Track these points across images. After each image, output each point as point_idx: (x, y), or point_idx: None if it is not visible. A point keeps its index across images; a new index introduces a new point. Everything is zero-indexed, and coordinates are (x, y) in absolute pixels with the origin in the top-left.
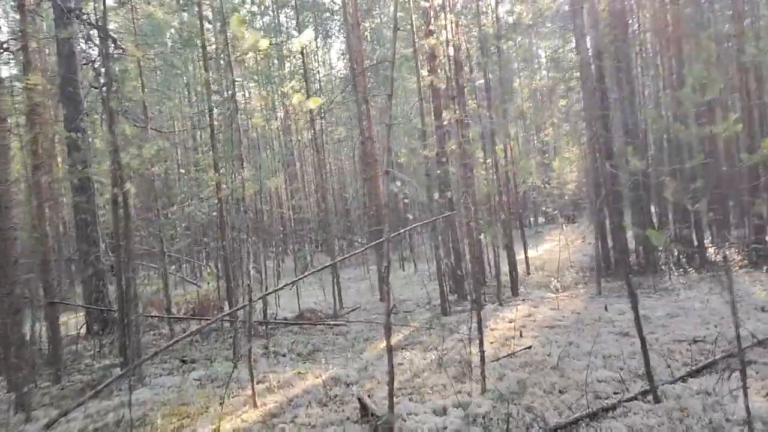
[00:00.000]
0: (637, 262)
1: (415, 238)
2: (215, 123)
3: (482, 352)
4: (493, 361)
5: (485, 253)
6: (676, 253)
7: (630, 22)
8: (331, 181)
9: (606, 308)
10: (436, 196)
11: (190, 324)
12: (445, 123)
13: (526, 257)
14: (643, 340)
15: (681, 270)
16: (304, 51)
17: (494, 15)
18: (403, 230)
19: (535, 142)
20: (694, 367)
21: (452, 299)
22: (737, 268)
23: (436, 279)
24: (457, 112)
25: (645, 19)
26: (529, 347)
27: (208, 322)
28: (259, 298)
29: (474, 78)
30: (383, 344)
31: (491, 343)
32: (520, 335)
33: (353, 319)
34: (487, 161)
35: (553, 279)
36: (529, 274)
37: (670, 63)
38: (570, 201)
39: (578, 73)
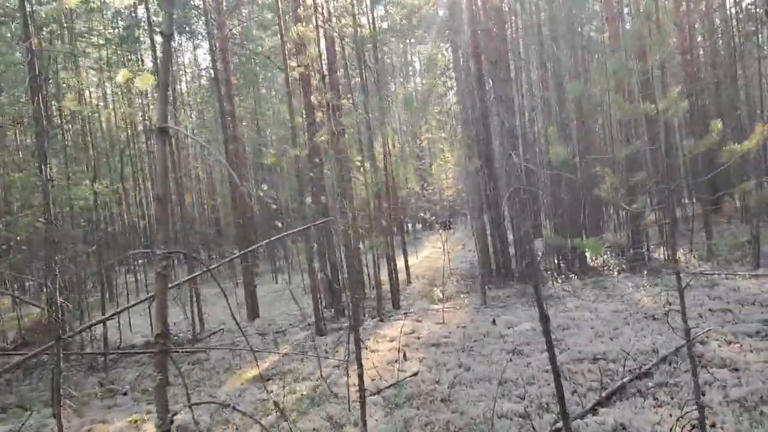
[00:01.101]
0: (517, 268)
1: (291, 247)
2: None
3: (362, 392)
4: (376, 393)
5: (364, 262)
6: (556, 259)
7: (508, 23)
8: (197, 186)
9: (494, 321)
10: (309, 200)
11: (11, 358)
12: (317, 119)
13: (407, 265)
14: (557, 374)
15: (562, 276)
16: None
17: (370, 16)
18: (265, 241)
19: (413, 148)
20: (603, 393)
21: (329, 315)
22: (616, 272)
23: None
24: (328, 95)
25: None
26: (416, 373)
27: (25, 356)
28: (92, 324)
29: (351, 77)
30: (248, 374)
31: (374, 367)
32: (404, 357)
33: (215, 344)
34: (365, 164)
35: (435, 288)
36: (410, 283)
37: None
38: (448, 206)
39: (454, 74)
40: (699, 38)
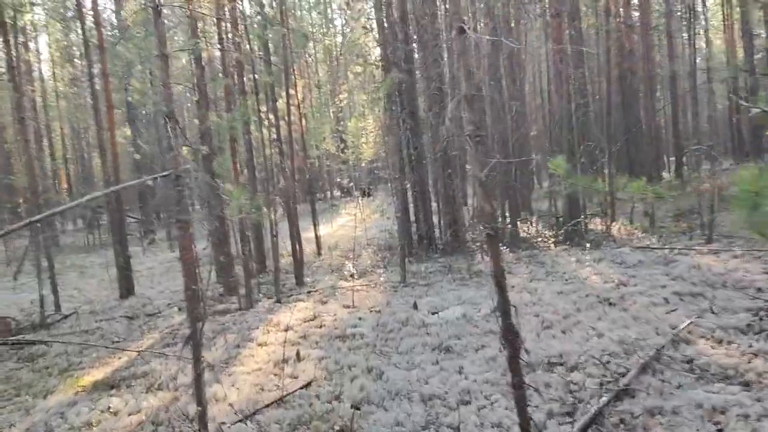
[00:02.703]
0: (443, 239)
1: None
2: None
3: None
4: (247, 418)
5: (266, 231)
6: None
7: None
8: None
9: (415, 305)
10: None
11: None
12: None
13: (317, 235)
14: (523, 410)
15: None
16: None
17: None
18: (85, 199)
19: (330, 106)
20: (574, 427)
21: (215, 294)
22: (552, 245)
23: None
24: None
25: None
26: (309, 384)
27: None
28: None
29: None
30: (90, 377)
31: (255, 370)
32: (298, 357)
33: (62, 333)
34: (269, 116)
35: (347, 262)
36: (320, 255)
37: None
38: (368, 171)
39: (375, 15)
40: None
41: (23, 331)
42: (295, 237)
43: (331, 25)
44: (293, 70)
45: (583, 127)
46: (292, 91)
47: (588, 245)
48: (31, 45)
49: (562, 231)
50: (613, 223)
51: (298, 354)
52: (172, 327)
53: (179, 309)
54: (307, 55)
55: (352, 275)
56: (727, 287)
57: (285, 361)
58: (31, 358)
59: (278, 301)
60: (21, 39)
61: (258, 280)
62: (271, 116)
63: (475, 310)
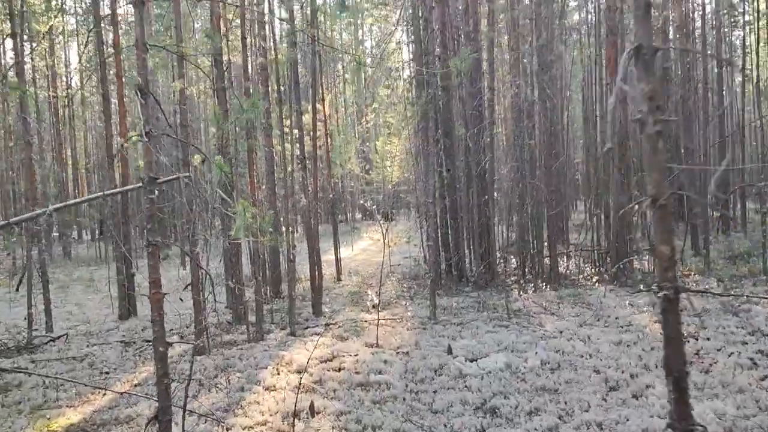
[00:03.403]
0: (474, 271)
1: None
2: None
3: None
4: None
5: (283, 252)
6: (520, 263)
7: None
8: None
9: (450, 350)
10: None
11: None
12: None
13: (338, 258)
14: None
15: (530, 284)
16: None
17: None
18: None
19: (356, 127)
20: None
21: (224, 321)
22: (596, 284)
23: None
24: None
25: None
26: None
27: None
28: None
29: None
30: (65, 420)
31: (257, 425)
32: (311, 411)
33: (44, 360)
34: (289, 128)
35: (369, 290)
36: (339, 280)
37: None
38: (392, 194)
39: (411, 27)
40: None
41: (4, 354)
42: (315, 262)
43: (361, 46)
44: (321, 83)
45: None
46: (319, 106)
47: (641, 287)
48: (62, 52)
49: (614, 269)
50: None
51: (311, 407)
52: (170, 359)
53: (181, 337)
54: (335, 74)
55: (374, 306)
56: None
57: (296, 414)
58: (5, 389)
59: (292, 333)
60: (45, 45)
61: (272, 307)
62: (296, 130)
63: (521, 360)
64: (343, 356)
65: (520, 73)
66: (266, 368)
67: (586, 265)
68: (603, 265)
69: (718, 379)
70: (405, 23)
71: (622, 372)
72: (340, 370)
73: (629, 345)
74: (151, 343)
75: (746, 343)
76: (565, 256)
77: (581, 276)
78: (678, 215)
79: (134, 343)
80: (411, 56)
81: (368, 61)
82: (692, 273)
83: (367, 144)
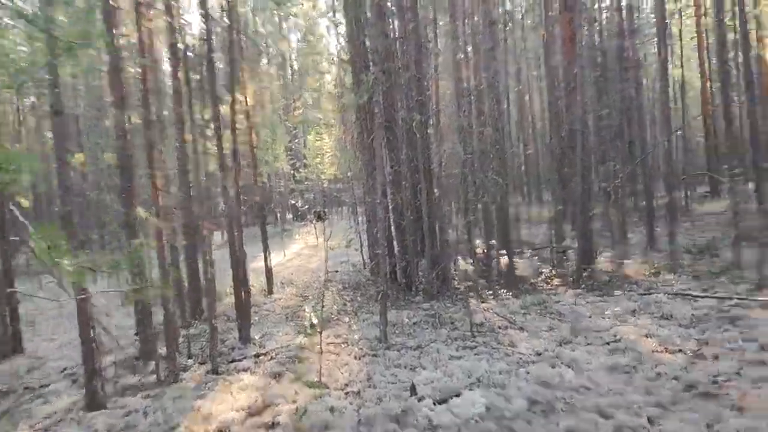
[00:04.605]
0: (424, 279)
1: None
2: None
3: None
4: None
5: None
6: (475, 267)
7: None
8: None
9: (413, 389)
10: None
11: None
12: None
13: (268, 268)
14: None
15: (489, 291)
16: None
17: None
18: None
19: (286, 124)
20: None
21: (132, 356)
22: (559, 287)
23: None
24: None
25: None
26: None
27: None
28: None
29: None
30: None
31: None
32: None
33: None
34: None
35: (306, 308)
36: (271, 293)
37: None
38: (323, 193)
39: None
40: None
41: None
42: (240, 277)
43: (286, 37)
44: (242, 71)
45: (602, 144)
46: (240, 96)
47: (616, 291)
48: None
49: (586, 272)
50: (626, 261)
51: None
52: (53, 417)
53: (73, 382)
54: (260, 68)
55: (313, 326)
56: None
57: None
58: None
59: (214, 369)
60: None
61: (189, 333)
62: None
63: (501, 398)
64: (278, 403)
65: (463, 61)
66: (177, 428)
67: (546, 266)
68: (563, 266)
69: (757, 419)
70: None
71: (636, 414)
72: (273, 426)
73: (628, 371)
74: (32, 392)
75: (765, 363)
76: (521, 257)
77: (540, 279)
78: (634, 208)
79: (15, 391)
80: (344, 38)
81: (294, 54)
82: (660, 271)
83: (297, 141)
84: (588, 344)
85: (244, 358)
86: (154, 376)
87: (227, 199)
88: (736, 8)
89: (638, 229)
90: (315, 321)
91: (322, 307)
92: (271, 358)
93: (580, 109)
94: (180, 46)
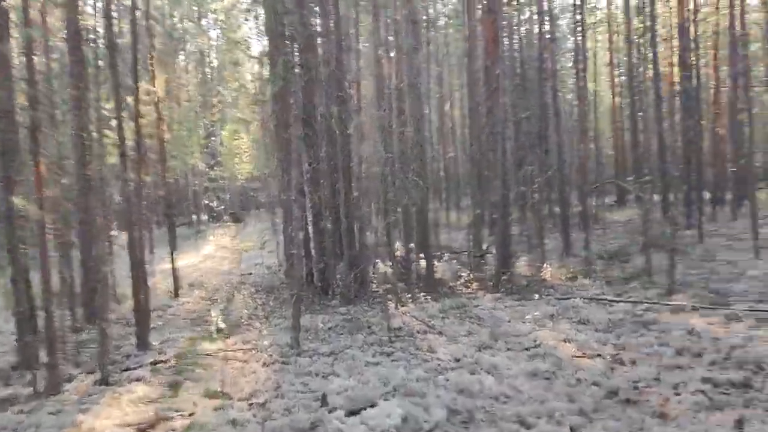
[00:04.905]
0: (342, 282)
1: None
2: None
3: None
4: None
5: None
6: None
7: None
8: None
9: (324, 399)
10: None
11: None
12: None
13: (174, 270)
14: None
15: (408, 296)
16: None
17: None
18: None
19: (200, 119)
20: None
21: (8, 365)
22: (478, 291)
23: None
24: None
25: None
26: None
27: None
28: None
29: None
30: None
31: None
32: None
33: None
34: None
35: (212, 312)
36: (177, 295)
37: None
38: (240, 192)
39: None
40: None
41: None
42: (139, 278)
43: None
44: (153, 61)
45: (520, 150)
46: (150, 87)
47: (535, 295)
48: None
49: (505, 276)
50: (544, 265)
51: None
52: None
53: None
54: (176, 64)
55: (220, 331)
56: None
57: None
58: None
59: (104, 380)
60: None
61: (78, 339)
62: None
63: (420, 409)
64: (172, 418)
65: (385, 58)
66: None
67: (465, 270)
68: (482, 270)
69: (682, 427)
70: None
71: (558, 423)
72: None
73: (549, 377)
74: None
75: (681, 368)
76: (441, 261)
77: (459, 282)
78: (549, 215)
79: None
80: (264, 32)
81: (213, 52)
82: (577, 276)
83: (213, 138)
84: (508, 349)
85: (140, 366)
86: (31, 388)
87: (126, 193)
88: (648, 23)
89: (553, 235)
90: (222, 325)
91: (226, 308)
92: (171, 366)
93: (502, 112)
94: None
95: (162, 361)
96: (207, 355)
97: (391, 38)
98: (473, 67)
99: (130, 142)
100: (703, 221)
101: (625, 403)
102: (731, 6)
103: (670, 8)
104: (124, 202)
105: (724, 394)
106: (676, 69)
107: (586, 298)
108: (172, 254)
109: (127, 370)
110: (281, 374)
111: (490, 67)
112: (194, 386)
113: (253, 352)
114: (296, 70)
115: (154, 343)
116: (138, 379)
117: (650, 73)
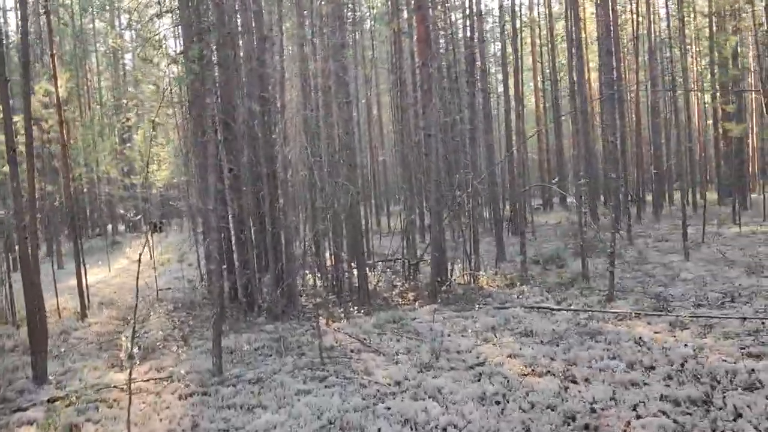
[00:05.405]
0: (268, 296)
1: None
2: None
3: None
4: None
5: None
6: (323, 282)
7: None
8: None
9: None
10: None
11: None
12: None
13: (81, 287)
14: None
15: (340, 309)
16: None
17: None
18: None
19: (114, 123)
20: None
21: None
22: (413, 301)
23: None
24: None
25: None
26: None
27: None
28: None
29: None
30: None
31: None
32: None
33: None
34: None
35: (124, 335)
36: (85, 316)
37: None
38: (160, 201)
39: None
40: None
41: None
42: (34, 298)
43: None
44: (55, 60)
45: (450, 153)
46: (50, 87)
47: (475, 305)
48: None
49: (444, 286)
50: (480, 272)
51: None
52: None
53: None
54: (88, 66)
55: (131, 357)
56: (736, 386)
57: None
58: None
59: None
60: None
61: None
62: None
63: None
64: None
65: (311, 57)
66: None
67: (399, 279)
68: (416, 279)
69: None
70: None
71: None
72: None
73: (499, 401)
74: None
75: (637, 384)
76: (373, 270)
77: (394, 293)
78: (479, 219)
79: None
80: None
81: (128, 54)
82: (514, 282)
83: (129, 144)
84: (451, 368)
85: (33, 405)
86: None
87: (19, 204)
88: (572, 27)
89: (485, 239)
90: (134, 350)
91: (139, 329)
92: (70, 404)
93: (435, 114)
94: None
95: (61, 398)
96: (114, 387)
97: (316, 41)
98: (401, 68)
99: (20, 147)
100: (630, 223)
101: (585, 429)
102: (649, 13)
103: (592, 14)
104: (14, 213)
105: (687, 413)
106: (596, 74)
107: (526, 307)
108: (78, 270)
109: (17, 410)
110: (200, 408)
111: (421, 66)
112: (96, 430)
113: (168, 381)
114: (214, 68)
115: (51, 377)
116: (30, 423)
117: (574, 76)
